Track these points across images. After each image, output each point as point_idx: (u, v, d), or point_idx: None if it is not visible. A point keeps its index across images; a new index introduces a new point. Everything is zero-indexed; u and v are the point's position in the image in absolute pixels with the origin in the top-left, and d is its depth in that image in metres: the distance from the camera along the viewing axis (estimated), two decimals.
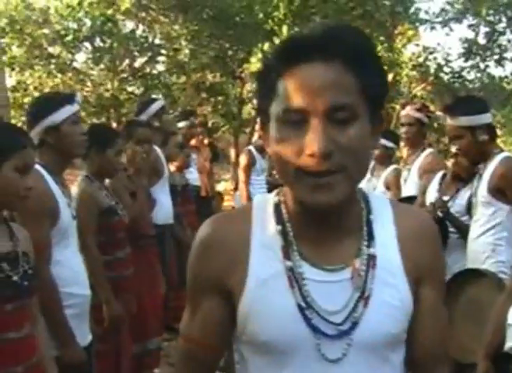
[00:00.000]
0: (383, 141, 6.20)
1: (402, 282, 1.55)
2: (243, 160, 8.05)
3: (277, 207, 1.60)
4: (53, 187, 3.39)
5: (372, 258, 1.54)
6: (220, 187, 13.61)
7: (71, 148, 3.53)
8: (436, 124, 13.18)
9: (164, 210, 5.58)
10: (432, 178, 4.74)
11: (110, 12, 14.83)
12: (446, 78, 15.88)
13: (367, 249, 1.55)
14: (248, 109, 18.57)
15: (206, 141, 9.08)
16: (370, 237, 1.56)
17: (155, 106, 6.09)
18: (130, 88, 15.99)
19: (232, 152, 17.32)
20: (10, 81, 14.14)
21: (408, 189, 5.52)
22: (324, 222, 1.53)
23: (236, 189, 16.12)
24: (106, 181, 4.45)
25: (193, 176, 7.67)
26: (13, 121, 12.10)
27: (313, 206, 1.46)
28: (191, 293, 1.65)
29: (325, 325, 1.50)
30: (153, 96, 6.74)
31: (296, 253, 1.54)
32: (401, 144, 6.30)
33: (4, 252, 2.73)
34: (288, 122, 1.44)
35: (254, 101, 17.47)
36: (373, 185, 6.22)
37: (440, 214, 4.26)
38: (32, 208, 3.05)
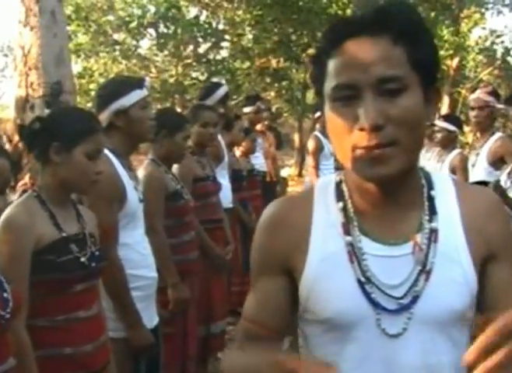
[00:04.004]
0: (445, 125, 6.16)
1: (466, 258, 1.52)
2: (311, 145, 7.99)
3: (338, 185, 1.61)
4: (120, 171, 3.41)
5: (434, 232, 1.53)
6: (284, 173, 13.59)
7: (140, 133, 3.54)
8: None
9: (223, 194, 5.57)
10: None
11: None
12: None
13: (429, 223, 1.53)
14: (312, 95, 18.51)
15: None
16: (432, 212, 1.55)
17: (220, 92, 6.06)
18: (194, 74, 16.11)
19: (296, 138, 17.31)
20: (76, 67, 14.29)
21: (477, 174, 5.43)
22: (384, 197, 1.53)
23: (300, 174, 16.23)
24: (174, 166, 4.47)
25: (259, 161, 7.66)
26: None
27: (370, 179, 1.47)
28: (255, 273, 1.67)
29: (385, 299, 1.50)
30: (215, 80, 6.64)
31: (356, 229, 1.54)
32: (467, 128, 6.21)
33: (72, 233, 2.79)
34: (339, 99, 1.45)
35: None
36: (438, 170, 6.13)
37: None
38: (100, 191, 3.07)
